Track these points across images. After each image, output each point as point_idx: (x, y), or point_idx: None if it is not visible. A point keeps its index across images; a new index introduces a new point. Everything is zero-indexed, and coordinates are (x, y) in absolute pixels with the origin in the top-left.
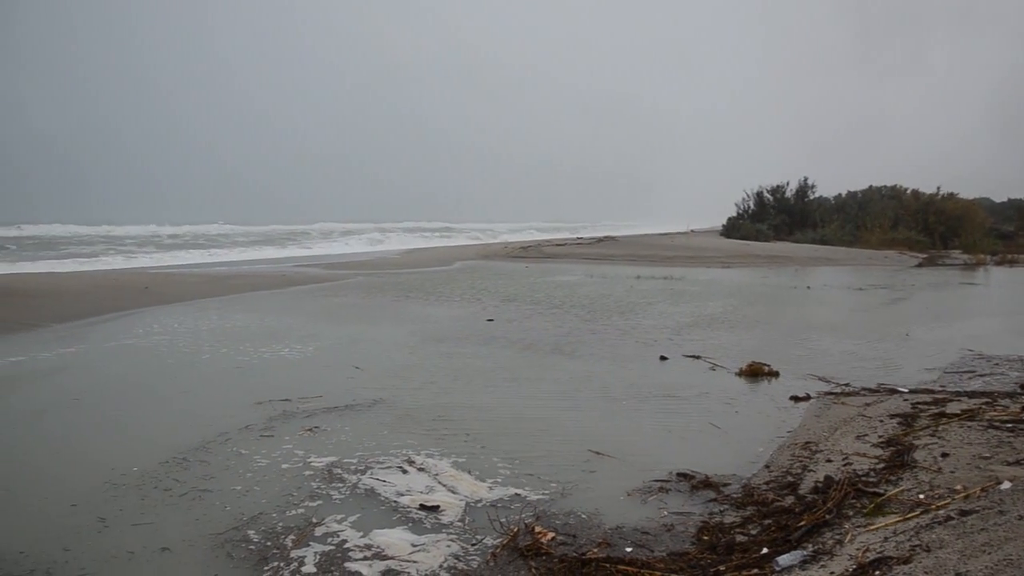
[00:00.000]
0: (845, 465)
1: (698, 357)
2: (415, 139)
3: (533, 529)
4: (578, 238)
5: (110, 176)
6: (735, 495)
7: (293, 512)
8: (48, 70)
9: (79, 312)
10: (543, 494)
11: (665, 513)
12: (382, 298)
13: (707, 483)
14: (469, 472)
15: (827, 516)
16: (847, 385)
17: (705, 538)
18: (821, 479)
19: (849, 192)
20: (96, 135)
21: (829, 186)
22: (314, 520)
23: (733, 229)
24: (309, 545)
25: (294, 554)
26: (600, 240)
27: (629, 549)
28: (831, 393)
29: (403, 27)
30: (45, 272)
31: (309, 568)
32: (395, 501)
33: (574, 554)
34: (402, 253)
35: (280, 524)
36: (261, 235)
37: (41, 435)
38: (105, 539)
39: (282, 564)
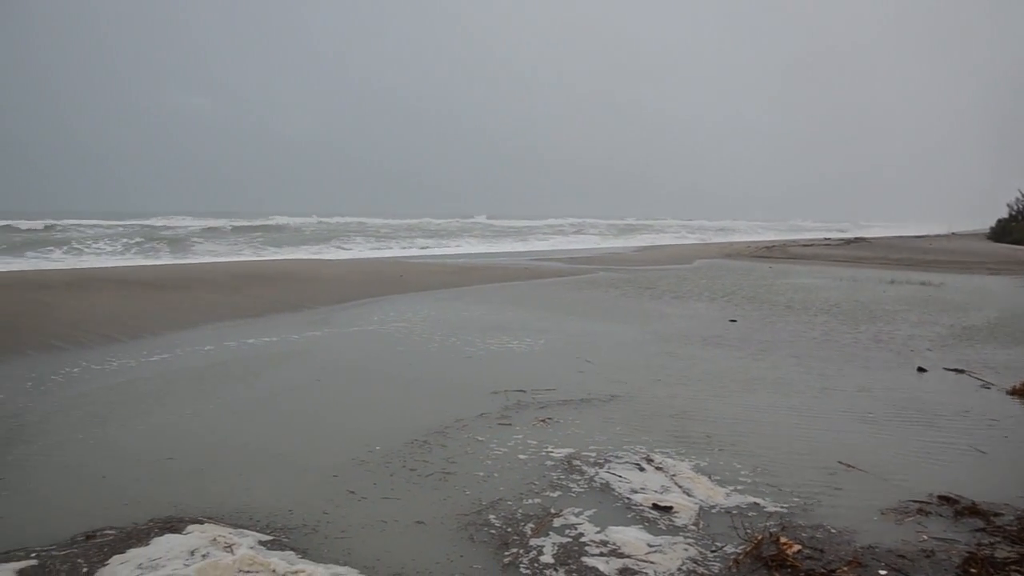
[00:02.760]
0: None
1: (962, 371)
2: (656, 135)
3: (778, 539)
4: (826, 239)
5: (387, 174)
6: (1009, 527)
7: (530, 501)
8: (301, 76)
9: (335, 297)
10: (783, 506)
11: (924, 537)
12: (618, 294)
13: (974, 510)
14: (708, 476)
15: None
16: None
17: (972, 571)
18: None
19: None
20: (360, 140)
21: None
22: (552, 511)
23: (1003, 232)
24: (548, 535)
25: (533, 542)
26: (849, 242)
27: (883, 572)
28: None
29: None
30: (313, 259)
31: (547, 558)
32: (628, 498)
33: (822, 570)
34: (639, 249)
35: (519, 512)
36: (510, 228)
37: (289, 411)
38: (359, 508)
39: (521, 551)
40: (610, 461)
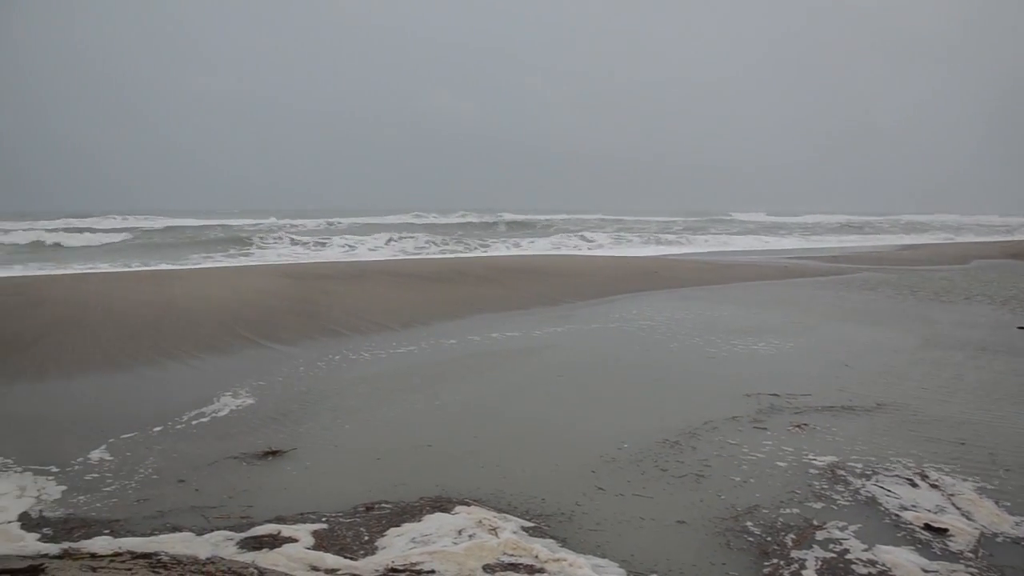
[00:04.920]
0: None
1: None
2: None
3: None
4: None
5: (647, 172)
6: None
7: (789, 510)
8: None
9: (584, 293)
10: None
11: None
12: (880, 295)
13: None
14: (994, 501)
15: None
16: None
17: None
18: None
19: None
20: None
21: None
22: (815, 522)
23: None
24: (811, 548)
25: (794, 554)
26: None
27: None
28: None
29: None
30: (567, 254)
31: (810, 573)
32: (897, 515)
33: None
34: (903, 248)
35: (779, 520)
36: (772, 224)
37: (534, 405)
38: (612, 503)
39: (782, 563)
40: (877, 473)
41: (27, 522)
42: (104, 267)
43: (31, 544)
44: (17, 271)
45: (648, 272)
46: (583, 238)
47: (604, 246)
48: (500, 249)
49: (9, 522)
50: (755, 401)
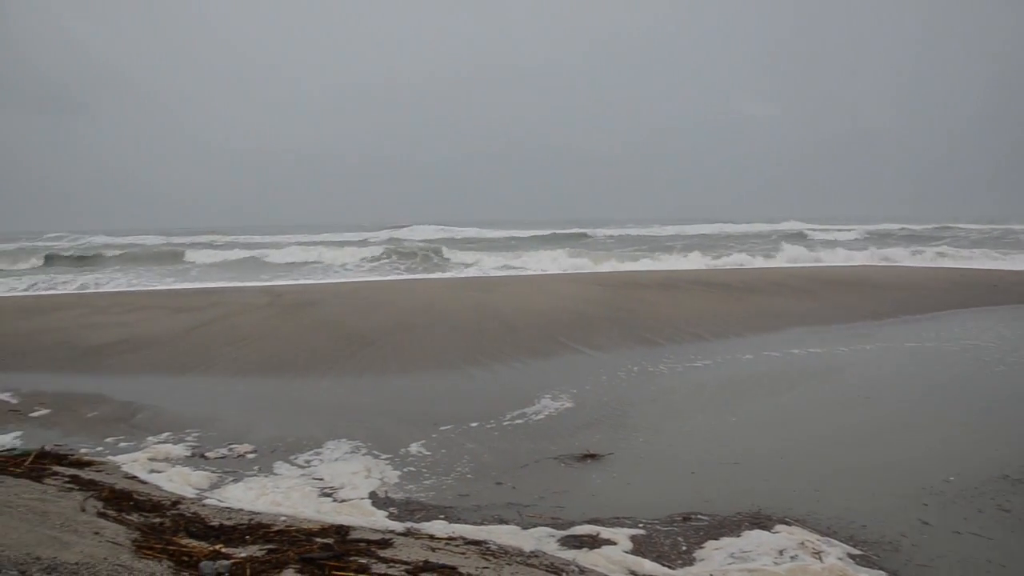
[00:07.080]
0: None
1: None
2: None
3: None
4: None
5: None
6: None
7: None
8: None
9: (907, 306)
10: None
11: None
12: None
13: None
14: None
15: None
16: None
17: None
18: None
19: None
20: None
21: None
22: None
23: None
24: None
25: None
26: None
27: None
28: None
29: None
30: (898, 265)
31: None
32: None
33: None
34: None
35: None
36: None
37: (841, 426)
38: (945, 540)
39: None
40: None
41: (376, 500)
42: (419, 275)
43: (380, 520)
44: (310, 280)
45: (987, 285)
46: (913, 241)
47: (942, 254)
48: (806, 259)
49: (362, 499)
50: None
